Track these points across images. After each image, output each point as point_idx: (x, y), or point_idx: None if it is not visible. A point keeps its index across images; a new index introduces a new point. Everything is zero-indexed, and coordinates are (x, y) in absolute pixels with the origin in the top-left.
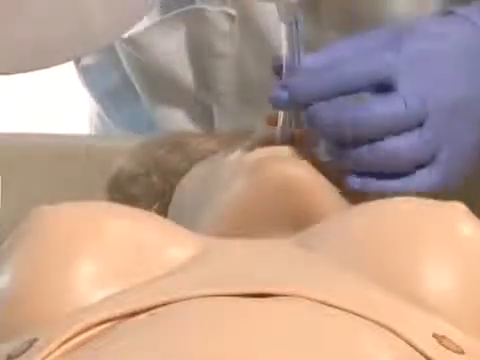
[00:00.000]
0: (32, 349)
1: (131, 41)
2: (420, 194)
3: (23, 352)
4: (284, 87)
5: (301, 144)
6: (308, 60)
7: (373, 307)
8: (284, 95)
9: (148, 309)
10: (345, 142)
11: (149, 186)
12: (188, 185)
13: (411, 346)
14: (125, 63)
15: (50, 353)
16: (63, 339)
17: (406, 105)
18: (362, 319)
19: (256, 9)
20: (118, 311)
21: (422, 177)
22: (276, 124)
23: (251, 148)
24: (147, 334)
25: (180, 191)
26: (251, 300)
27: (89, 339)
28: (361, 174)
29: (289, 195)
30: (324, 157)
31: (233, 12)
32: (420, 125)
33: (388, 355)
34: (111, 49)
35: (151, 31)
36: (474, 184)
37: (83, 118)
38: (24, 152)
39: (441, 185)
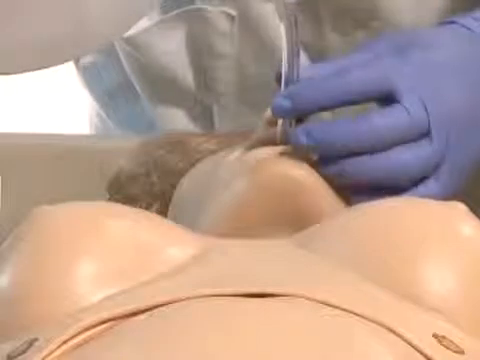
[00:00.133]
0: (32, 349)
1: (131, 41)
2: None
3: (23, 352)
4: (286, 96)
5: None
6: (310, 70)
7: (373, 307)
8: (286, 104)
9: (148, 309)
10: (347, 155)
11: (149, 186)
12: (188, 185)
13: (411, 346)
14: (125, 63)
15: (50, 353)
16: (63, 339)
17: (409, 115)
18: (362, 319)
19: (256, 9)
20: (118, 311)
21: (425, 188)
22: (276, 124)
23: (251, 148)
24: (147, 334)
25: (180, 191)
26: (251, 300)
27: (89, 339)
28: (362, 187)
29: (289, 195)
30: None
31: (233, 12)
32: (424, 135)
33: (388, 355)
34: (111, 49)
35: (151, 31)
36: (474, 184)
37: (83, 118)
38: (24, 152)
39: (443, 195)
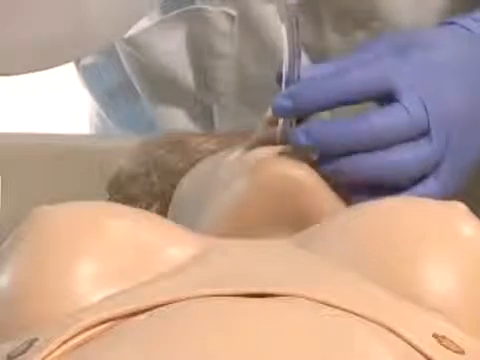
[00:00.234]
0: (32, 349)
1: (131, 41)
2: None
3: (23, 352)
4: (287, 96)
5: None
6: (311, 71)
7: (373, 307)
8: (287, 104)
9: (148, 309)
10: (346, 155)
11: (149, 186)
12: (188, 185)
13: (411, 346)
14: (125, 63)
15: (50, 353)
16: (63, 339)
17: (408, 114)
18: (362, 319)
19: (256, 9)
20: (118, 311)
21: (425, 187)
22: (276, 124)
23: (251, 148)
24: (147, 334)
25: (180, 191)
26: (251, 300)
27: (89, 339)
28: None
29: (289, 195)
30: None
31: (233, 12)
32: (424, 135)
33: (388, 355)
34: (111, 49)
35: (151, 31)
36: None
37: (83, 118)
38: (24, 152)
39: (442, 195)
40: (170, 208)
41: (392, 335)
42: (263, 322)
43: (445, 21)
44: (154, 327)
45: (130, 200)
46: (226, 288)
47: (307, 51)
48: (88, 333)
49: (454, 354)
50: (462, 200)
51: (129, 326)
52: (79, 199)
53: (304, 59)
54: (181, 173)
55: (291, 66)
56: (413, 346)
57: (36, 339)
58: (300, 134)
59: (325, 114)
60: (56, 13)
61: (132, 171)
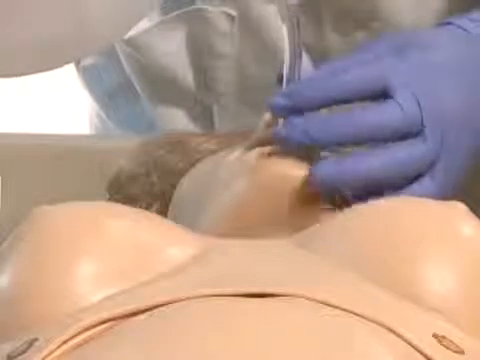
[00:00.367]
0: (32, 349)
1: (131, 42)
2: None
3: (23, 352)
4: (284, 94)
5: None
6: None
7: (373, 307)
8: (283, 102)
9: (148, 309)
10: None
11: (149, 186)
12: (188, 185)
13: (411, 346)
14: (125, 63)
15: (50, 353)
16: (63, 339)
17: (402, 111)
18: (362, 319)
19: (256, 10)
20: (118, 311)
21: (420, 186)
22: (276, 124)
23: (251, 148)
24: (147, 334)
25: (180, 191)
26: (251, 300)
27: (89, 339)
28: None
29: (289, 195)
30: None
31: (233, 12)
32: (418, 134)
33: (388, 355)
34: (111, 49)
35: (151, 32)
36: (474, 184)
37: (83, 118)
38: (24, 152)
39: (438, 194)
40: (170, 208)
41: (392, 335)
42: (263, 322)
43: (442, 21)
44: (154, 327)
45: (130, 200)
46: (226, 288)
47: (307, 51)
48: (88, 333)
49: (454, 354)
50: (462, 200)
51: (129, 326)
52: (79, 199)
53: (305, 59)
54: (181, 173)
55: (292, 67)
56: (413, 346)
57: (36, 339)
58: (291, 128)
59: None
60: (56, 14)
61: (132, 171)
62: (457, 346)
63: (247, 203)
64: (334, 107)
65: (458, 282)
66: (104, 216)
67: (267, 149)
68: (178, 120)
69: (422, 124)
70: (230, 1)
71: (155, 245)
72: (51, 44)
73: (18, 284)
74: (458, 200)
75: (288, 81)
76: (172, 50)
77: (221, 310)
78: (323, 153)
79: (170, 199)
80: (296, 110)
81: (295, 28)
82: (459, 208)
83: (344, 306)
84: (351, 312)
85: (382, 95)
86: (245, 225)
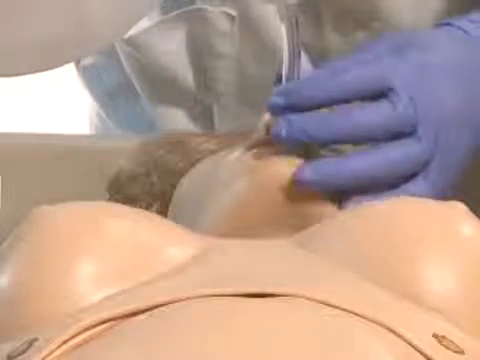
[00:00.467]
0: (32, 349)
1: (131, 41)
2: None
3: (23, 352)
4: (282, 93)
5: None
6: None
7: (373, 307)
8: (282, 101)
9: (148, 309)
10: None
11: (149, 186)
12: (188, 185)
13: (411, 346)
14: (125, 63)
15: (50, 353)
16: (63, 339)
17: (395, 109)
18: (362, 319)
19: (256, 9)
20: (118, 311)
21: (415, 186)
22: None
23: (251, 148)
24: (147, 334)
25: (180, 191)
26: (251, 300)
27: (89, 339)
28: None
29: (289, 195)
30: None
31: (233, 12)
32: (413, 133)
33: (388, 355)
34: (111, 49)
35: (151, 31)
36: (474, 184)
37: (83, 118)
38: (24, 152)
39: (433, 193)
40: (170, 208)
41: (392, 335)
42: (263, 322)
43: (441, 22)
44: (154, 327)
45: (130, 200)
46: (226, 288)
47: (307, 51)
48: (88, 333)
49: (454, 354)
50: (462, 200)
51: (129, 326)
52: (79, 199)
53: (304, 59)
54: (181, 173)
55: (291, 66)
56: (413, 346)
57: (36, 339)
58: (282, 126)
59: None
60: (56, 13)
61: (132, 171)
62: (457, 346)
63: (247, 203)
64: (334, 107)
65: (458, 282)
66: (104, 216)
67: (267, 149)
68: (178, 120)
69: (416, 124)
70: (230, 1)
71: (155, 245)
72: (51, 44)
73: (18, 284)
74: (458, 200)
75: (287, 81)
76: (172, 50)
77: (221, 310)
78: (323, 152)
79: (170, 199)
80: (294, 109)
81: (294, 28)
82: (459, 208)
83: (344, 306)
84: (351, 312)
85: (382, 95)
86: (245, 225)
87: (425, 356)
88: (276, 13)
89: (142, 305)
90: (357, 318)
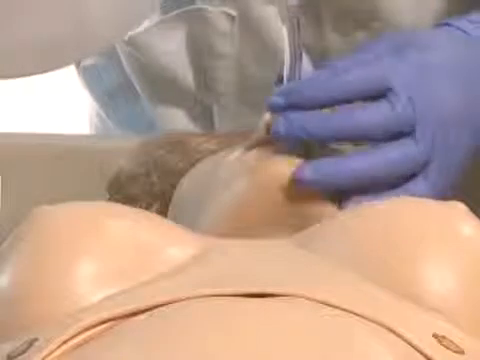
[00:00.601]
0: (32, 349)
1: (131, 41)
2: None
3: (23, 352)
4: (282, 93)
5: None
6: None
7: (373, 307)
8: (281, 101)
9: (148, 309)
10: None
11: (149, 186)
12: (188, 185)
13: (411, 346)
14: (125, 63)
15: (50, 353)
16: (63, 339)
17: (394, 109)
18: (362, 319)
19: (256, 10)
20: (118, 311)
21: (415, 186)
22: None
23: (251, 148)
24: (147, 334)
25: (180, 191)
26: (251, 300)
27: (89, 339)
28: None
29: (289, 195)
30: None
31: (233, 12)
32: (411, 134)
33: (388, 355)
34: (111, 49)
35: (151, 31)
36: (474, 184)
37: (83, 118)
38: (24, 152)
39: (432, 194)
40: (170, 208)
41: (392, 335)
42: (263, 322)
43: (441, 23)
44: (154, 327)
45: (130, 200)
46: (226, 288)
47: (307, 51)
48: (88, 333)
49: (454, 354)
50: (462, 200)
51: (129, 326)
52: (79, 199)
53: (305, 59)
54: (181, 173)
55: (292, 67)
56: (413, 346)
57: (36, 339)
58: (282, 124)
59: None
60: (56, 14)
61: (132, 171)
62: (457, 346)
63: (247, 203)
64: (336, 107)
65: (458, 282)
66: (104, 216)
67: (267, 149)
68: (178, 120)
69: (415, 124)
70: (230, 1)
71: (155, 245)
72: (51, 45)
73: (18, 284)
74: (458, 200)
75: (288, 82)
76: (172, 49)
77: (221, 310)
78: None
79: (170, 199)
80: (295, 109)
81: (295, 29)
82: (459, 208)
83: (344, 306)
84: (351, 312)
85: (382, 95)
86: (245, 225)
87: (425, 356)
88: (277, 14)
89: (142, 305)
90: (357, 318)
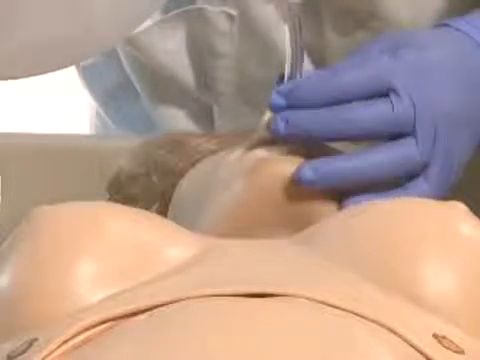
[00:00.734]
0: (32, 349)
1: (131, 41)
2: None
3: (23, 352)
4: (283, 93)
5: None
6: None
7: (373, 307)
8: (282, 100)
9: (148, 309)
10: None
11: (149, 186)
12: (188, 185)
13: (411, 346)
14: (125, 63)
15: (50, 353)
16: (63, 339)
17: (393, 110)
18: (362, 319)
19: (256, 9)
20: (118, 311)
21: (415, 187)
22: None
23: (251, 148)
24: (147, 334)
25: (180, 191)
26: (251, 300)
27: (89, 339)
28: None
29: (289, 195)
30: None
31: (233, 12)
32: (410, 134)
33: (388, 355)
34: (111, 49)
35: (151, 31)
36: (474, 184)
37: (83, 118)
38: (24, 152)
39: (433, 194)
40: (170, 208)
41: (392, 335)
42: (263, 322)
43: (439, 23)
44: (154, 327)
45: (130, 200)
46: (226, 288)
47: (307, 51)
48: (88, 333)
49: (454, 354)
50: (462, 200)
51: (129, 326)
52: (79, 199)
53: (305, 60)
54: (181, 173)
55: (293, 67)
56: (413, 346)
57: (36, 339)
58: (282, 123)
59: None
60: (57, 15)
61: (132, 171)
62: (457, 346)
63: (247, 203)
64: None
65: (458, 282)
66: (104, 216)
67: (267, 149)
68: (178, 120)
69: (415, 124)
70: (230, 1)
71: (155, 245)
72: (52, 45)
73: (18, 284)
74: (458, 200)
75: (289, 81)
76: (172, 49)
77: (221, 310)
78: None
79: (170, 199)
80: (295, 109)
81: (296, 28)
82: (459, 208)
83: (344, 306)
84: (351, 312)
85: (381, 95)
86: (245, 225)
87: (425, 356)
88: (278, 14)
89: (142, 305)
90: (357, 318)
